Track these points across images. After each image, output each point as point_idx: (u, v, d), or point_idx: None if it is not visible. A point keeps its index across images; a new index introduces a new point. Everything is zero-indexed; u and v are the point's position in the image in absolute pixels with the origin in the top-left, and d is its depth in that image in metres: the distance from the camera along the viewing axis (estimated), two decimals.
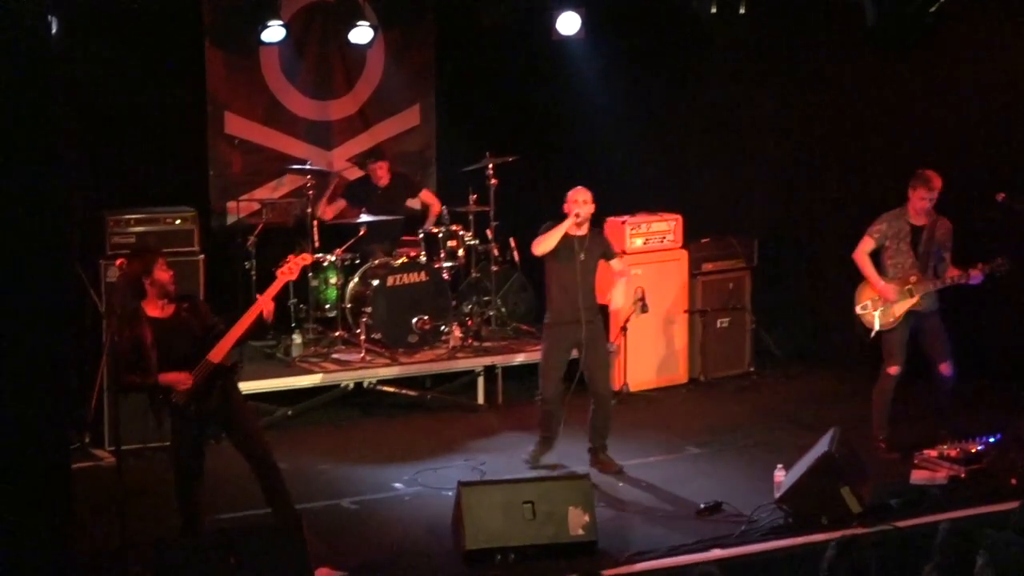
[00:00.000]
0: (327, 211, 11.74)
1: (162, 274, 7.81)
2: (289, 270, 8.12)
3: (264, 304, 7.89)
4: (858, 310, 9.61)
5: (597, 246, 9.32)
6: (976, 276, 9.44)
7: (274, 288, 8.02)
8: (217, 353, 7.77)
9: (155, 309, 7.84)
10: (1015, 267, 9.49)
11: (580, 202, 9.18)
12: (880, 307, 9.51)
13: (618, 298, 9.50)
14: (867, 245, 9.60)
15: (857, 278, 9.70)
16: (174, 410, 7.79)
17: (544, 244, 9.13)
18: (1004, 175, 10.76)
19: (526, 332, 11.70)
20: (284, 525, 7.55)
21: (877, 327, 9.52)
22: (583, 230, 9.22)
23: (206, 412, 7.83)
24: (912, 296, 9.45)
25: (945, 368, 9.60)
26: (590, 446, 9.35)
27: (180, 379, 7.70)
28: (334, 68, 12.37)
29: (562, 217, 9.22)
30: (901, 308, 9.49)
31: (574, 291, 9.14)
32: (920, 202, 9.46)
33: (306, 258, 8.42)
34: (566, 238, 9.14)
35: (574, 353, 9.33)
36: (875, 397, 9.67)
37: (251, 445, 7.94)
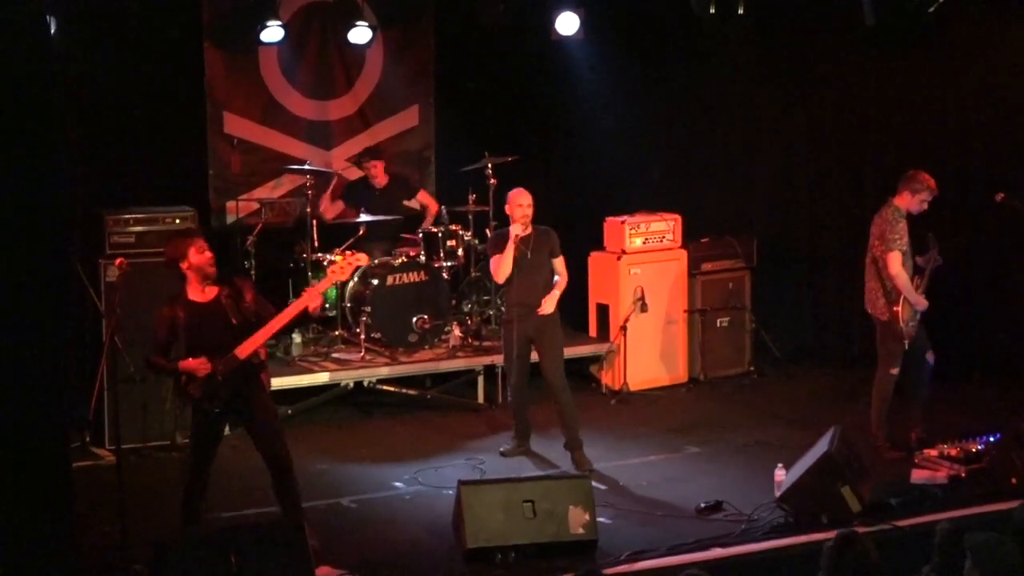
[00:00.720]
0: (329, 210, 11.73)
1: (198, 257, 7.75)
2: (341, 270, 8.03)
3: (310, 300, 7.87)
4: (902, 326, 9.41)
5: (544, 244, 9.48)
6: (934, 258, 9.48)
7: (323, 285, 8.01)
8: (244, 349, 7.71)
9: (196, 293, 7.79)
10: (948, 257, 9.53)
11: (523, 206, 9.36)
12: (915, 318, 9.48)
13: (548, 306, 9.44)
14: (899, 259, 9.35)
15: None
16: (194, 403, 7.75)
17: (503, 271, 9.37)
18: (1004, 174, 10.77)
19: None
20: (285, 524, 7.54)
21: (909, 341, 9.47)
22: (527, 230, 9.38)
23: (226, 407, 7.79)
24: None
25: (930, 356, 9.61)
26: (565, 442, 9.42)
27: (197, 365, 7.62)
28: (333, 68, 12.35)
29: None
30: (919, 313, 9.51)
31: (521, 285, 9.34)
32: (922, 205, 9.40)
33: (360, 259, 8.29)
34: (510, 239, 9.34)
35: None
36: (876, 397, 9.64)
37: (271, 445, 7.89)
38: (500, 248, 9.40)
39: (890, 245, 9.34)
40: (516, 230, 9.30)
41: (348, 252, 8.17)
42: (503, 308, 9.74)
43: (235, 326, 7.74)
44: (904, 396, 9.69)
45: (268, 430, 7.92)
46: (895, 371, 9.55)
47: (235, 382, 7.73)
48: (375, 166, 11.73)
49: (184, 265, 7.73)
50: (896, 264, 9.32)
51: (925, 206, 9.44)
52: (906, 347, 9.46)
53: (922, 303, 9.41)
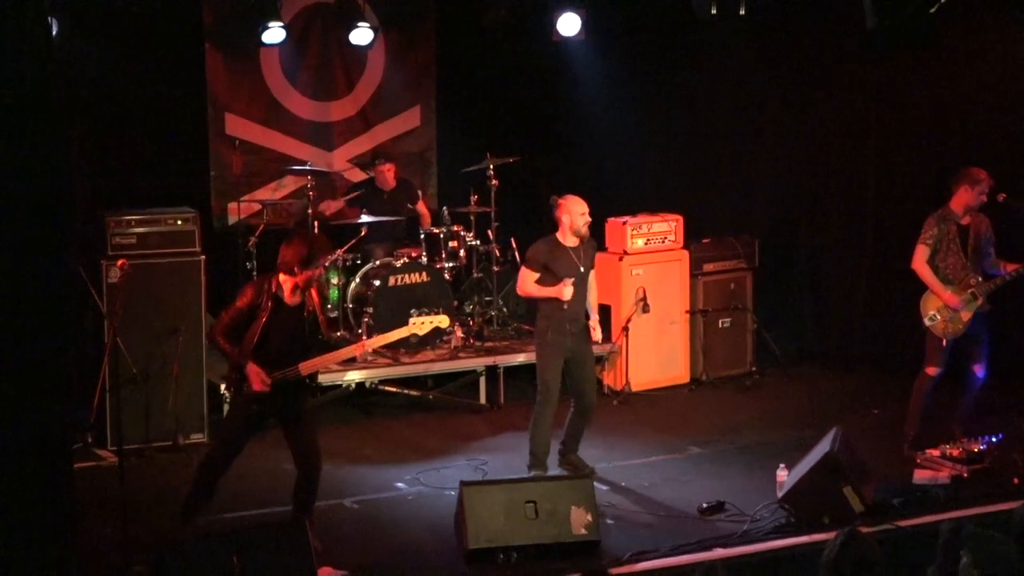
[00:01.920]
0: (330, 207, 11.74)
1: (320, 271, 7.90)
2: (420, 325, 8.32)
3: (370, 347, 8.46)
4: (927, 322, 9.39)
5: (590, 255, 9.12)
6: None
7: (385, 339, 8.32)
8: (308, 367, 7.79)
9: (288, 293, 7.82)
10: None
11: (584, 214, 8.90)
12: (948, 315, 9.36)
13: (598, 334, 9.23)
14: (924, 254, 9.36)
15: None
16: (243, 397, 7.80)
17: (525, 291, 9.06)
18: (1005, 175, 10.75)
19: (528, 332, 11.65)
20: (287, 525, 7.54)
21: (947, 336, 9.39)
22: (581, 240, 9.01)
23: (270, 412, 7.89)
24: (977, 299, 9.34)
25: (979, 369, 9.53)
26: (562, 448, 9.18)
27: (259, 382, 7.66)
28: (334, 69, 12.37)
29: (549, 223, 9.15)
30: (968, 313, 9.35)
31: (574, 304, 8.93)
32: (981, 197, 9.34)
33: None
34: (564, 250, 8.96)
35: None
36: (913, 395, 9.56)
37: (307, 455, 7.99)
38: (539, 262, 8.90)
39: (919, 239, 9.39)
40: (567, 295, 8.78)
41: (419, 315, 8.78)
42: (540, 322, 9.02)
43: (305, 337, 7.84)
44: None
45: (307, 434, 8.01)
46: (931, 370, 9.46)
47: (287, 391, 7.82)
48: (388, 168, 11.72)
49: (299, 269, 7.72)
50: (917, 257, 9.36)
51: (984, 198, 9.37)
52: (944, 344, 9.38)
53: (952, 300, 9.28)
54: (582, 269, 8.96)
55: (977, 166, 9.47)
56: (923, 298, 9.41)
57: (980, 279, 9.34)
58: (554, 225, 9.04)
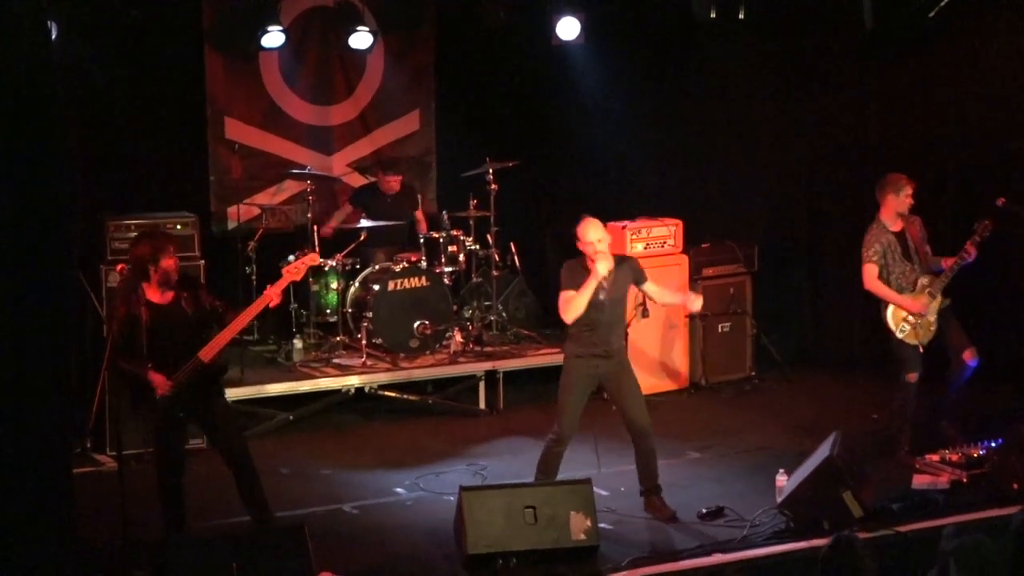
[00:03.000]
0: (338, 217, 11.75)
1: (168, 262, 7.86)
2: (296, 269, 8.22)
3: (270, 299, 8.03)
4: (899, 334, 9.46)
5: (625, 275, 8.53)
6: (971, 252, 9.37)
7: (281, 284, 8.11)
8: (208, 352, 7.88)
9: (155, 294, 7.89)
10: (1007, 219, 9.49)
11: (596, 242, 8.34)
12: (917, 321, 9.43)
13: (696, 303, 8.96)
14: (873, 272, 9.46)
15: (859, 283, 9.69)
16: (158, 410, 7.83)
17: (572, 311, 8.33)
18: (1003, 179, 10.78)
19: (527, 337, 11.69)
20: (285, 530, 7.55)
21: (922, 342, 9.47)
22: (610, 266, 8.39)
23: (188, 412, 7.94)
24: (935, 298, 9.44)
25: (969, 355, 9.58)
26: (642, 489, 8.67)
27: (159, 383, 7.76)
28: (334, 73, 12.37)
29: (570, 246, 8.63)
30: (933, 314, 9.46)
31: (602, 329, 8.47)
32: (907, 200, 9.47)
33: (314, 258, 8.46)
34: (585, 276, 8.36)
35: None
36: (898, 406, 9.60)
37: (233, 447, 8.06)
38: (573, 282, 8.38)
39: (864, 259, 9.48)
40: (602, 270, 8.25)
41: (300, 252, 8.32)
42: (569, 344, 8.56)
43: (195, 327, 7.91)
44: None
45: (230, 431, 8.12)
46: (912, 376, 9.50)
47: (198, 386, 7.88)
48: (395, 180, 11.72)
49: (152, 268, 7.83)
50: (867, 277, 9.47)
51: (910, 200, 9.49)
52: (920, 350, 9.46)
53: (915, 306, 9.39)
54: (601, 296, 8.39)
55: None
56: (888, 313, 9.47)
57: (930, 278, 9.47)
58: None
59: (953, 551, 5.89)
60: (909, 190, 9.48)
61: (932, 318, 9.45)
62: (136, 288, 7.86)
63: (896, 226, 9.56)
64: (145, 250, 7.89)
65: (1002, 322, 11.22)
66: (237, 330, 8.09)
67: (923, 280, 9.45)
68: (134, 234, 9.97)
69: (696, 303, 8.91)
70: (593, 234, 8.38)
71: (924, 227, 9.66)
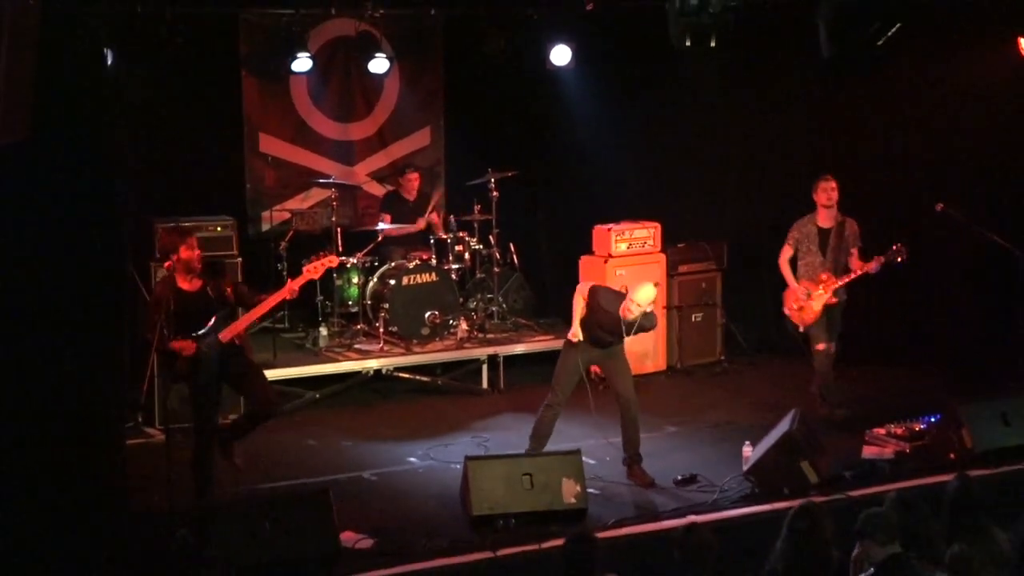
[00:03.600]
0: (384, 219, 11.68)
1: (187, 253, 7.93)
2: (315, 269, 8.23)
3: (287, 293, 8.08)
4: (786, 311, 9.78)
5: (647, 322, 8.55)
6: (873, 267, 9.53)
7: (301, 280, 8.15)
8: (227, 334, 7.93)
9: (184, 282, 7.96)
10: (911, 255, 9.59)
11: (636, 306, 8.31)
12: (801, 305, 9.68)
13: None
14: (786, 252, 9.79)
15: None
16: (189, 378, 7.91)
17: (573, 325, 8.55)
18: (943, 186, 10.78)
19: (525, 325, 11.69)
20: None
21: (803, 324, 9.73)
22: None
23: (214, 377, 7.97)
24: (825, 293, 9.62)
25: (820, 346, 9.77)
26: (625, 458, 8.73)
27: (185, 346, 7.80)
28: (355, 94, 12.35)
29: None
30: (819, 304, 9.64)
31: (614, 330, 8.54)
32: (823, 196, 9.68)
33: (332, 260, 8.47)
34: (614, 317, 8.42)
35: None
36: (817, 373, 9.87)
37: (263, 401, 8.18)
38: (601, 306, 8.47)
39: (785, 241, 9.86)
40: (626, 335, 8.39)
41: (322, 253, 8.34)
42: (575, 331, 8.57)
43: (218, 312, 7.94)
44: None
45: (259, 387, 8.18)
46: (821, 347, 9.78)
47: (220, 358, 7.94)
48: (415, 178, 11.71)
49: (174, 258, 7.92)
50: (780, 256, 9.84)
51: (825, 196, 9.71)
52: (801, 329, 9.79)
53: (793, 295, 9.71)
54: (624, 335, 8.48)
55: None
56: (784, 293, 9.81)
57: (829, 276, 9.60)
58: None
59: (862, 521, 5.93)
60: (823, 184, 9.69)
61: (817, 308, 9.62)
62: (170, 277, 7.96)
63: (825, 222, 9.70)
64: (167, 244, 8.04)
65: (941, 312, 11.25)
66: (256, 316, 8.16)
67: (823, 276, 9.60)
68: None
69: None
70: (643, 297, 8.37)
71: (859, 233, 9.75)
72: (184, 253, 7.92)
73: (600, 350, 8.67)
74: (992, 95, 10.79)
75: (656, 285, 8.74)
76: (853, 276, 9.60)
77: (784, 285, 9.91)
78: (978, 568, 5.78)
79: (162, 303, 7.77)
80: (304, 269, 8.26)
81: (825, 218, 9.71)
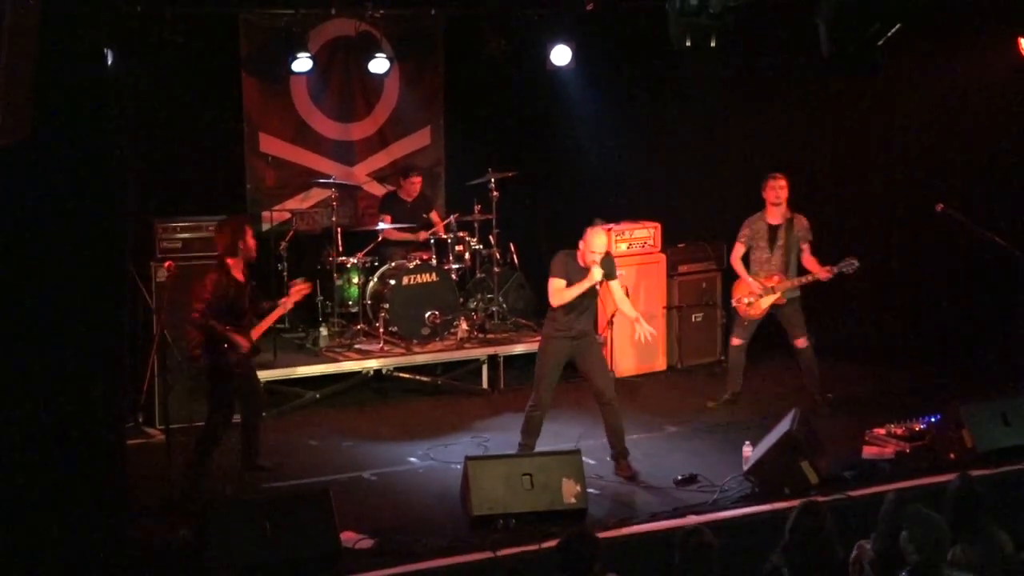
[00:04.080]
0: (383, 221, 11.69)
1: (253, 241, 8.28)
2: (285, 304, 8.72)
3: (283, 310, 8.73)
4: (734, 303, 10.07)
5: (608, 268, 8.68)
6: (824, 275, 9.77)
7: (288, 303, 8.76)
8: (258, 332, 8.39)
9: (238, 272, 8.21)
10: (862, 267, 9.81)
11: (596, 253, 8.43)
12: (750, 301, 9.92)
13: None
14: (739, 250, 10.03)
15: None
16: (230, 364, 8.13)
17: (561, 300, 8.51)
18: (942, 187, 10.78)
19: (524, 325, 11.69)
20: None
21: (748, 316, 9.99)
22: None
23: (241, 372, 8.29)
24: (774, 294, 9.83)
25: (800, 342, 9.94)
26: (612, 453, 8.77)
27: (244, 343, 8.16)
28: (355, 94, 12.34)
29: (566, 238, 8.86)
30: (767, 302, 9.86)
31: (585, 313, 8.67)
32: (770, 194, 9.91)
33: (304, 289, 8.93)
34: (582, 269, 8.53)
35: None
36: (730, 363, 10.24)
37: (259, 395, 8.74)
38: (565, 273, 8.52)
39: (736, 239, 10.09)
40: (596, 276, 8.42)
41: (295, 284, 8.94)
42: (550, 324, 8.68)
43: (251, 308, 8.32)
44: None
45: (259, 383, 8.81)
46: (735, 341, 10.18)
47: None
48: (417, 180, 11.72)
49: (242, 245, 8.19)
50: (732, 253, 10.12)
51: (773, 194, 9.94)
52: (745, 323, 10.04)
53: (740, 290, 9.95)
54: (598, 288, 8.61)
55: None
56: (733, 285, 10.13)
57: (782, 278, 9.81)
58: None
59: (906, 520, 5.90)
60: (772, 183, 9.91)
61: (765, 304, 9.87)
62: (223, 265, 8.24)
63: (774, 219, 9.89)
64: (234, 231, 8.29)
65: (942, 312, 11.26)
66: (266, 327, 8.59)
67: (776, 277, 9.84)
68: (180, 235, 10.01)
69: (644, 332, 8.79)
70: (598, 244, 8.49)
71: (809, 229, 9.95)
72: (251, 240, 8.22)
73: (575, 341, 8.65)
74: (992, 95, 10.80)
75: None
76: (804, 282, 9.85)
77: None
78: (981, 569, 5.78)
79: (228, 292, 8.10)
80: (280, 303, 8.68)
81: (774, 215, 9.95)
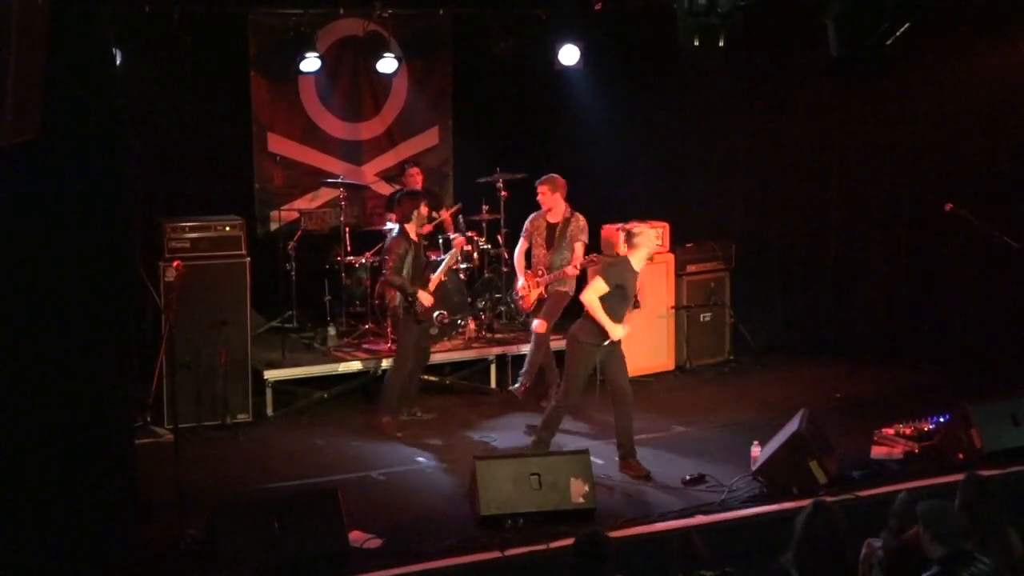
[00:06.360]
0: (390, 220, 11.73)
1: (424, 210, 9.66)
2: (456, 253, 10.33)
3: (454, 259, 10.23)
4: (514, 294, 10.51)
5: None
6: (569, 271, 10.06)
7: (450, 262, 10.19)
8: (432, 284, 9.74)
9: (413, 234, 9.56)
10: None
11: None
12: (524, 293, 10.29)
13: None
14: (522, 246, 10.40)
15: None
16: (413, 317, 9.54)
17: (595, 311, 8.64)
18: (952, 187, 10.74)
19: None
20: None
21: (523, 309, 10.45)
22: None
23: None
24: (539, 287, 10.20)
25: (538, 327, 10.12)
26: (620, 452, 8.80)
27: (428, 300, 9.56)
28: (364, 94, 12.36)
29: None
30: (534, 296, 10.26)
31: (630, 294, 8.83)
32: (540, 198, 10.25)
33: (463, 243, 10.68)
34: (625, 279, 8.74)
35: None
36: (533, 350, 10.22)
37: (422, 357, 9.97)
38: (613, 280, 8.71)
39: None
40: (619, 334, 8.67)
41: (456, 237, 10.55)
42: (585, 331, 8.77)
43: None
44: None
45: (428, 344, 10.14)
46: (539, 328, 10.19)
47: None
48: (417, 172, 11.71)
49: (415, 214, 9.52)
50: (519, 245, 10.45)
51: (541, 197, 10.27)
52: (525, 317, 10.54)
53: (519, 284, 10.40)
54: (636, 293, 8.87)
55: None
56: (515, 279, 10.46)
57: (543, 272, 10.19)
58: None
59: (922, 516, 5.87)
60: (541, 189, 10.19)
61: (533, 298, 10.26)
62: (404, 232, 9.50)
63: (554, 218, 10.22)
64: (412, 197, 9.66)
65: (948, 312, 11.23)
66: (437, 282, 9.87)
67: (540, 271, 10.19)
68: (188, 235, 10.00)
69: (617, 332, 8.76)
70: (651, 241, 9.09)
71: (585, 229, 10.19)
72: (424, 209, 9.62)
73: (607, 347, 8.73)
74: (1002, 95, 10.75)
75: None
76: (554, 277, 10.10)
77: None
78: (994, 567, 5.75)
79: (408, 250, 9.43)
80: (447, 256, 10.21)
81: (554, 214, 10.19)
